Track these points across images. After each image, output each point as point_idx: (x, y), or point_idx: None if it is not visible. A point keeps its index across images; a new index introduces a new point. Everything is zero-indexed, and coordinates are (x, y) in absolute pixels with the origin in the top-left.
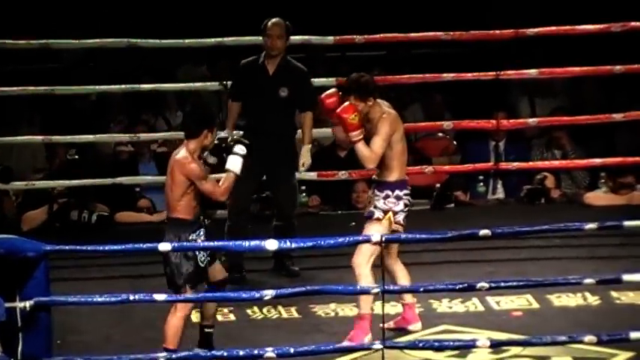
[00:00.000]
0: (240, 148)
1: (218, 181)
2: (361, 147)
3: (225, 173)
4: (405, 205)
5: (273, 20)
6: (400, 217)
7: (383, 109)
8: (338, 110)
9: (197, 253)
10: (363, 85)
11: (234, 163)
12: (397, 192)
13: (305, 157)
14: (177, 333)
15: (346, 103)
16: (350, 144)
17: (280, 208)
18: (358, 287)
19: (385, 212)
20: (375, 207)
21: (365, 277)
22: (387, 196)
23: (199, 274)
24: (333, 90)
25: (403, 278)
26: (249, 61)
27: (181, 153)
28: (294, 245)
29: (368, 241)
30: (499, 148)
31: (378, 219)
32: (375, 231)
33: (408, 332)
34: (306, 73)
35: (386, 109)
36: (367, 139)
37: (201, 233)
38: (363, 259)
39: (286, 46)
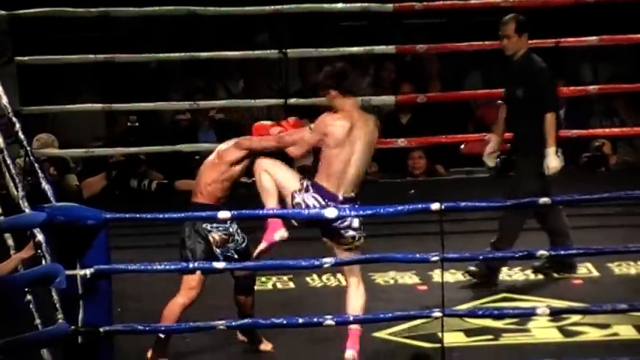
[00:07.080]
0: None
1: None
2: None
3: None
4: None
5: (504, 19)
6: None
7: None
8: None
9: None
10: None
11: None
12: None
13: (552, 160)
14: (172, 319)
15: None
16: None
17: None
18: (417, 255)
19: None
20: (354, 229)
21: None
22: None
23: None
24: (266, 123)
25: None
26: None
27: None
28: (353, 213)
29: (428, 209)
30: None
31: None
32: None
33: (464, 300)
34: (541, 73)
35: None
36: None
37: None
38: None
39: (522, 44)
